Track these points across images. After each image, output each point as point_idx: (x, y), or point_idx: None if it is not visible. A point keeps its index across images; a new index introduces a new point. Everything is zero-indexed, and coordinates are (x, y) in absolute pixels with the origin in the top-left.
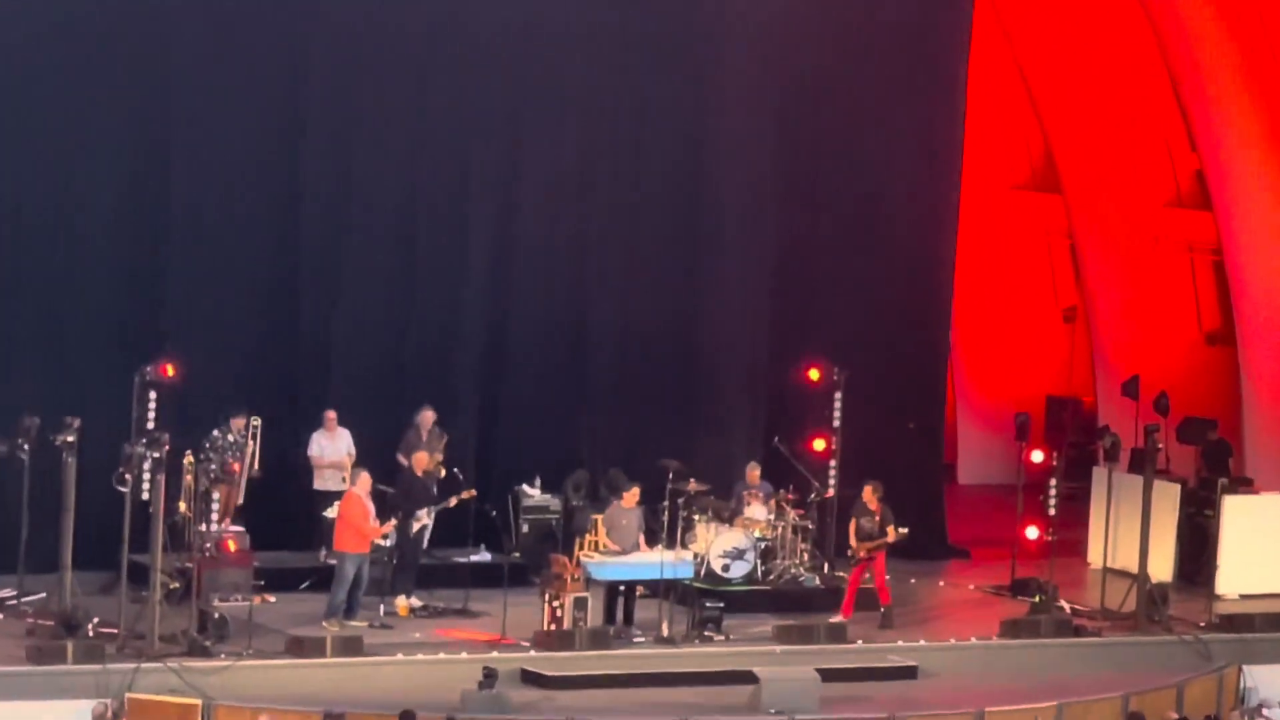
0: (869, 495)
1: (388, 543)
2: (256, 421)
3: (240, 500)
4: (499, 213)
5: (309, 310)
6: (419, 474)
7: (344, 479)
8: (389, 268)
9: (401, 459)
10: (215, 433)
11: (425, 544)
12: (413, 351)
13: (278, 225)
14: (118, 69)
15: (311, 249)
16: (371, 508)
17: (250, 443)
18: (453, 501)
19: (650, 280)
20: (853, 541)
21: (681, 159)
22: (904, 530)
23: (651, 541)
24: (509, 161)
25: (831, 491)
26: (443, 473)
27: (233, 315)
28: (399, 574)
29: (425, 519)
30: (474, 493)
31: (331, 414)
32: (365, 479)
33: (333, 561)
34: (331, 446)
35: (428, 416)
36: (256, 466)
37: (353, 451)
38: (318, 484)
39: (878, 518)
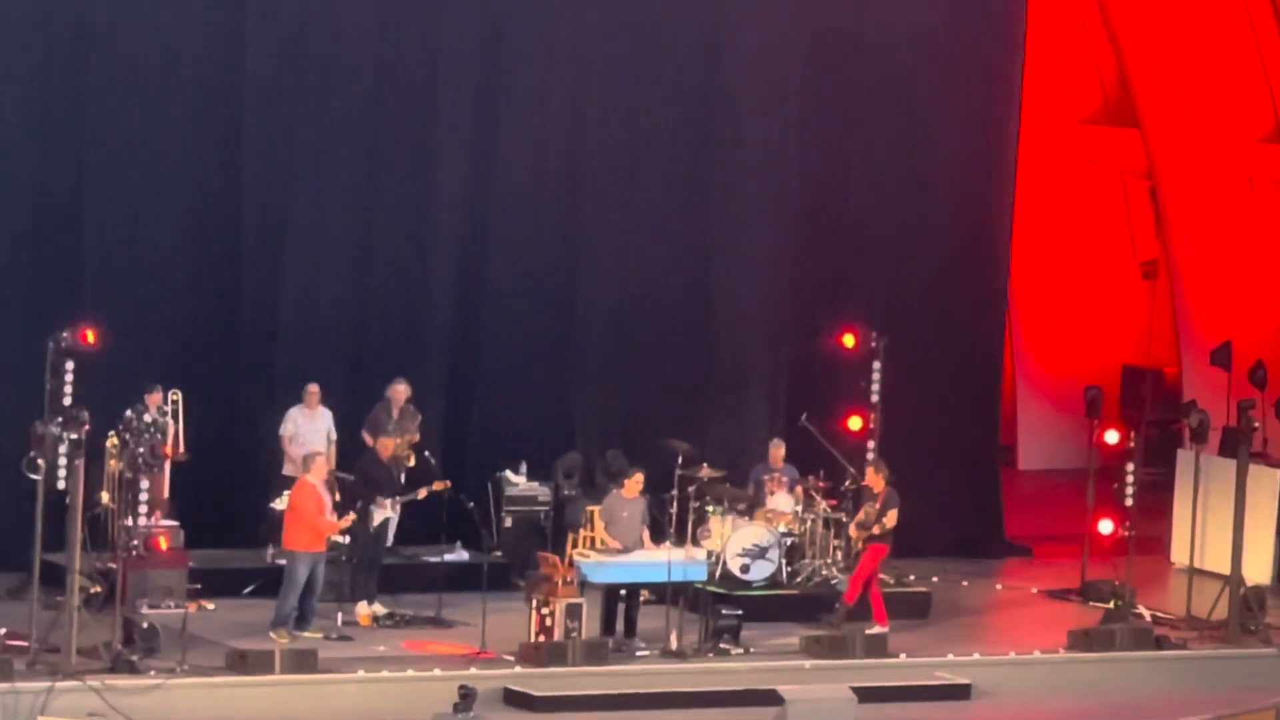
0: (872, 477)
1: (346, 540)
2: (176, 395)
3: (165, 492)
4: (474, 151)
5: (252, 265)
6: (384, 459)
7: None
8: (346, 216)
9: (367, 438)
10: (129, 412)
11: (389, 540)
12: (374, 314)
13: (216, 163)
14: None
15: (255, 191)
16: (328, 499)
17: (171, 422)
18: (422, 493)
19: (653, 230)
20: (853, 531)
21: (689, 86)
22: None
23: (657, 537)
24: (484, 90)
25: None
26: (412, 459)
27: (163, 270)
28: (359, 576)
29: (389, 510)
30: (448, 484)
31: (314, 388)
32: (320, 464)
33: (282, 562)
34: (310, 426)
35: (400, 391)
36: (182, 449)
37: (334, 435)
38: (288, 469)
39: (879, 504)
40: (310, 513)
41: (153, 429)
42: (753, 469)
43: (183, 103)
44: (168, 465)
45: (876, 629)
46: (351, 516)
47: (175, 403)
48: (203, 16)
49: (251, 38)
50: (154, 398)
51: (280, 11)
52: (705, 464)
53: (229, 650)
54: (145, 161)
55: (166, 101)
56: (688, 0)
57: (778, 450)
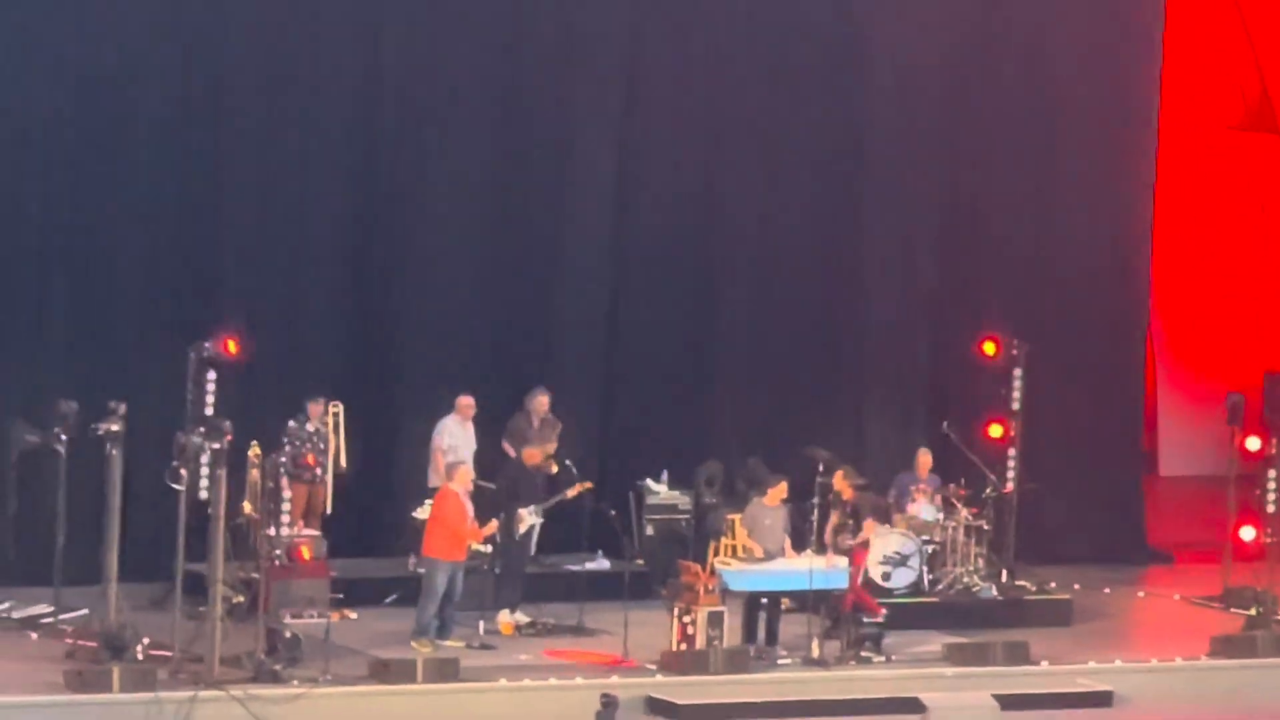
0: (840, 483)
1: (488, 548)
2: (337, 408)
3: (328, 505)
4: (612, 160)
5: (397, 279)
6: (528, 467)
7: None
8: (488, 229)
9: (508, 448)
10: (292, 423)
11: (533, 549)
12: (515, 325)
13: (358, 176)
14: (167, 22)
15: (397, 205)
16: (470, 508)
17: (332, 436)
18: (570, 494)
19: (792, 239)
20: (828, 538)
21: (831, 102)
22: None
23: (799, 545)
24: (624, 101)
25: (1010, 486)
26: (554, 468)
27: (305, 283)
28: (502, 585)
29: (530, 518)
30: (590, 485)
31: (468, 399)
32: (465, 473)
33: (422, 571)
34: (465, 437)
35: (541, 401)
36: (343, 462)
37: (474, 445)
38: (435, 480)
39: (849, 510)
40: (454, 521)
41: (312, 439)
42: (896, 477)
43: (325, 117)
44: (329, 477)
45: (876, 621)
46: (494, 525)
47: (336, 415)
48: (341, 40)
49: (388, 57)
50: (315, 408)
51: (417, 39)
52: (844, 468)
53: (371, 659)
54: (288, 174)
55: (309, 116)
56: (829, 13)
57: (924, 458)
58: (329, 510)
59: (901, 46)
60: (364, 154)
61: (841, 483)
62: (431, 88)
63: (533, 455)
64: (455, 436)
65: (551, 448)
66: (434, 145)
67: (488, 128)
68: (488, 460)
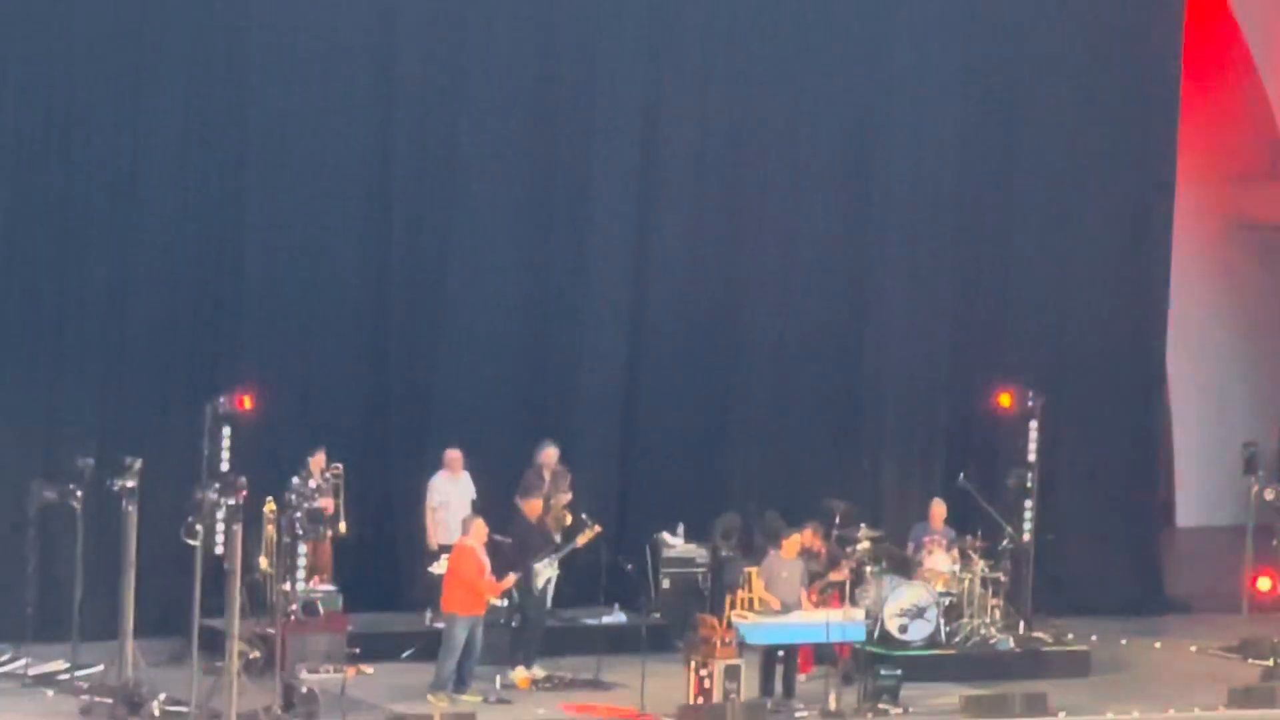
0: (810, 539)
1: (505, 603)
2: (338, 470)
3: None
4: (631, 214)
5: (408, 334)
6: (532, 521)
7: None
8: (501, 282)
9: (519, 503)
10: (295, 480)
11: (549, 603)
12: (530, 379)
13: (371, 234)
14: (186, 68)
15: (410, 262)
16: (486, 562)
17: (333, 498)
18: (580, 541)
19: (810, 290)
20: (814, 596)
21: (847, 151)
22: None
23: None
24: (643, 156)
25: (1027, 536)
26: (569, 519)
27: (320, 338)
28: (520, 639)
29: (547, 570)
30: (599, 529)
31: (456, 453)
32: (480, 527)
33: (440, 625)
34: (456, 491)
35: (550, 454)
36: (342, 525)
37: (474, 497)
38: (442, 538)
39: (822, 557)
40: (471, 575)
41: (315, 494)
42: (912, 528)
43: (338, 176)
44: (329, 537)
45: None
46: (512, 577)
47: (337, 476)
48: (356, 92)
49: (406, 97)
50: (317, 460)
51: (430, 78)
52: (864, 524)
53: (388, 713)
54: (300, 232)
55: (322, 174)
56: (844, 69)
57: (938, 510)
58: (330, 574)
59: (919, 111)
60: (382, 212)
61: (812, 538)
62: (448, 145)
63: (534, 508)
64: (445, 493)
65: (566, 498)
66: (452, 202)
67: (506, 184)
68: (498, 515)
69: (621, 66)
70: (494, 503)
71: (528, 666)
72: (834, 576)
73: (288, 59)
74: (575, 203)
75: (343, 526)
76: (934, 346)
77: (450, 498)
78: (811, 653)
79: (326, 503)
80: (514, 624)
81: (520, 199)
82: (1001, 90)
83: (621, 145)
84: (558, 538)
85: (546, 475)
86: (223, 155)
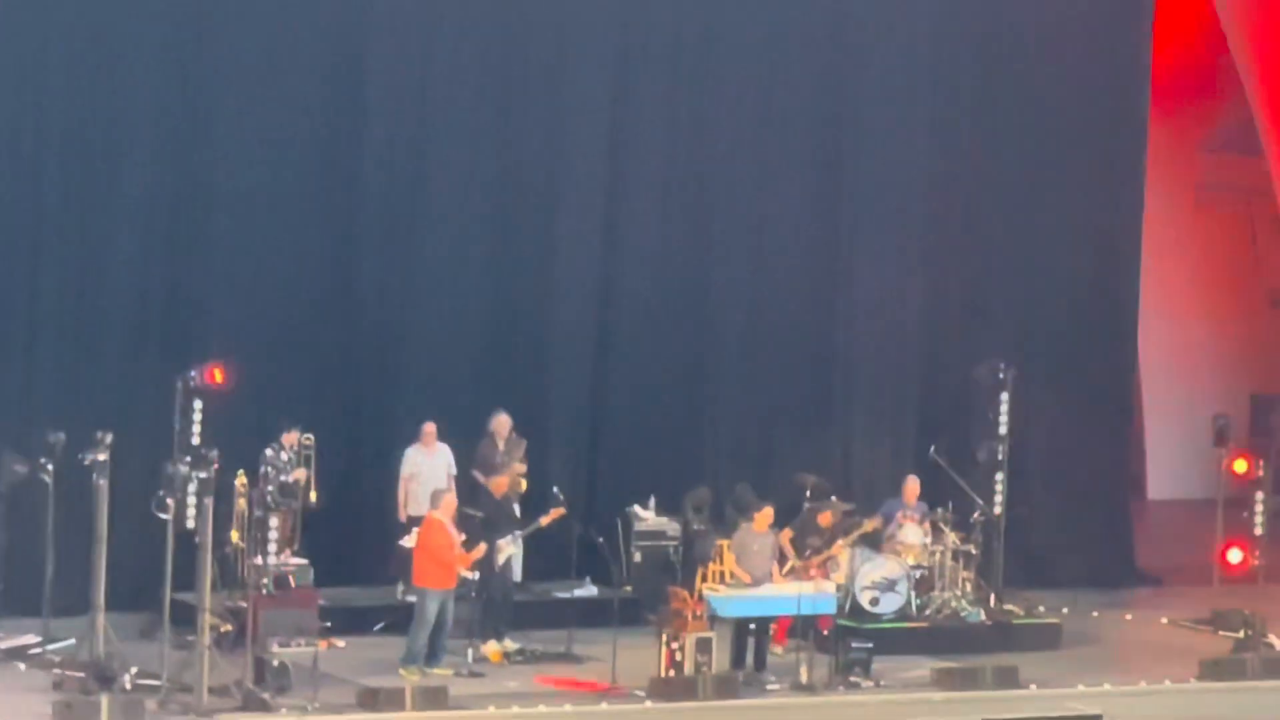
0: (825, 518)
1: (475, 575)
2: (309, 440)
3: (297, 538)
4: (601, 189)
5: (386, 306)
6: (497, 496)
7: None
8: (471, 257)
9: (479, 476)
10: (269, 451)
11: (517, 576)
12: (501, 353)
13: (342, 210)
14: (154, 49)
15: (380, 235)
16: (456, 536)
17: (304, 469)
18: (544, 521)
19: (782, 264)
20: (816, 568)
21: (819, 125)
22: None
23: (787, 572)
24: (612, 128)
25: (998, 509)
26: (524, 485)
27: (291, 311)
28: (488, 615)
29: (509, 547)
30: (563, 510)
31: (430, 427)
32: (449, 501)
33: (411, 599)
34: (429, 465)
35: (503, 422)
36: (313, 496)
37: (453, 470)
38: (412, 510)
39: (827, 538)
40: (441, 549)
41: (289, 468)
42: (884, 503)
43: (307, 152)
44: (299, 509)
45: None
46: (483, 548)
47: (308, 448)
48: (326, 61)
49: (375, 75)
50: (290, 437)
51: (402, 53)
52: (835, 497)
53: (360, 688)
54: (272, 204)
55: (292, 148)
56: (816, 44)
57: (912, 485)
58: (298, 545)
59: (893, 86)
60: (352, 188)
61: (826, 516)
62: (418, 124)
63: (500, 485)
64: (416, 464)
65: (522, 468)
66: (423, 180)
67: (475, 152)
68: (468, 488)
69: (592, 47)
70: (463, 475)
71: (499, 639)
72: (829, 553)
73: (256, 39)
74: (546, 179)
75: (313, 496)
76: (905, 320)
77: (420, 469)
78: (786, 625)
79: (300, 473)
80: (478, 597)
81: (491, 176)
82: (973, 63)
83: (592, 122)
84: (516, 507)
85: (500, 444)
86: (193, 130)
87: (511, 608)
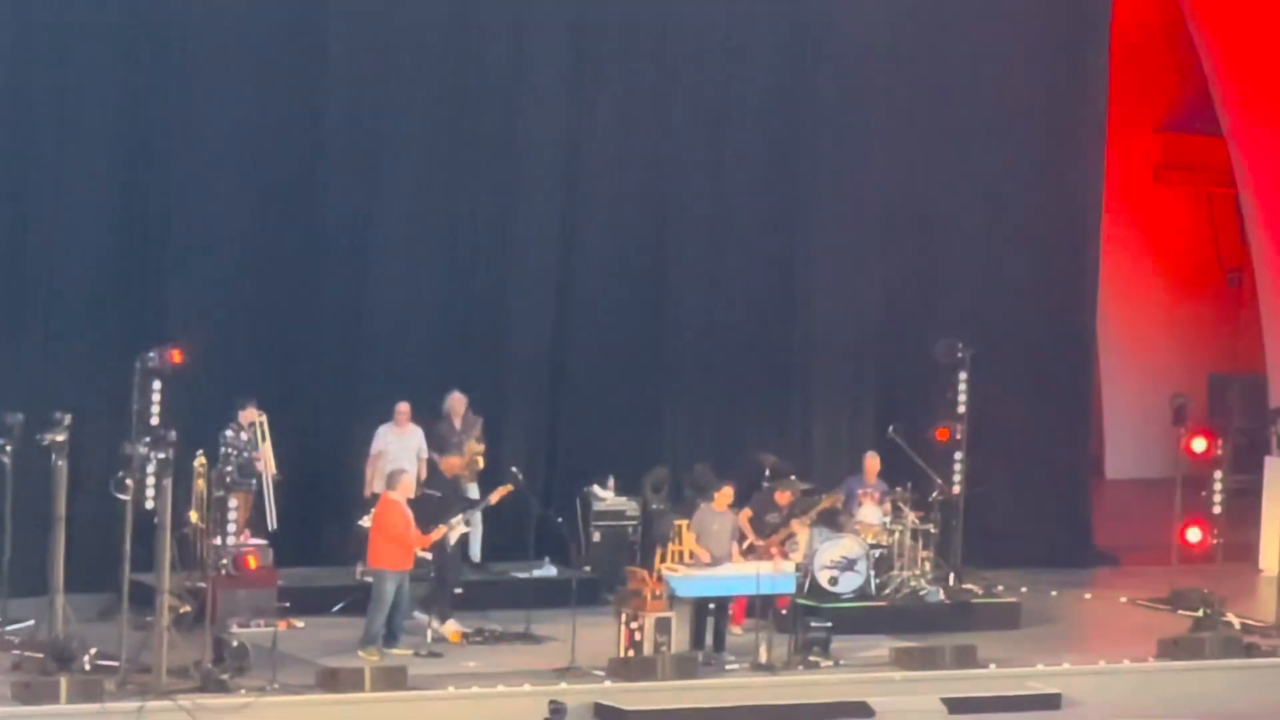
0: (782, 496)
1: (430, 556)
2: (261, 418)
3: (272, 516)
4: (559, 172)
5: (345, 285)
6: (448, 476)
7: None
8: (429, 238)
9: (435, 456)
10: (229, 432)
11: (478, 556)
12: (460, 330)
13: (299, 183)
14: (110, 26)
15: (339, 216)
16: (411, 516)
17: (261, 444)
18: (493, 498)
19: (741, 244)
20: (776, 549)
21: (774, 102)
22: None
23: (746, 551)
24: (569, 112)
25: (957, 489)
26: (481, 464)
27: (249, 290)
28: (436, 596)
29: (461, 527)
30: (510, 487)
31: (404, 407)
32: (407, 482)
33: (370, 579)
34: (400, 445)
35: (458, 401)
36: (273, 468)
37: (424, 453)
38: (376, 487)
39: (782, 517)
40: (398, 530)
41: (248, 447)
42: (844, 481)
43: (265, 120)
44: (269, 487)
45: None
46: (443, 529)
47: (261, 424)
48: (287, 33)
49: (333, 50)
50: (247, 413)
51: (362, 16)
52: (794, 476)
53: (319, 668)
54: (229, 181)
55: (249, 120)
56: (771, 24)
57: (872, 463)
58: (274, 524)
59: (846, 54)
60: (310, 167)
61: (782, 495)
62: (376, 104)
63: (451, 465)
64: (384, 442)
65: (479, 446)
66: (380, 159)
67: (434, 133)
68: (431, 470)
69: (549, 32)
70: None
71: (441, 620)
72: (785, 531)
73: (215, 19)
74: (505, 163)
75: (272, 467)
76: (864, 300)
77: (389, 448)
78: (744, 605)
79: (262, 452)
80: (431, 576)
81: (447, 157)
82: (929, 42)
83: (550, 105)
84: (474, 486)
85: (456, 423)
86: (149, 111)
87: (452, 590)
